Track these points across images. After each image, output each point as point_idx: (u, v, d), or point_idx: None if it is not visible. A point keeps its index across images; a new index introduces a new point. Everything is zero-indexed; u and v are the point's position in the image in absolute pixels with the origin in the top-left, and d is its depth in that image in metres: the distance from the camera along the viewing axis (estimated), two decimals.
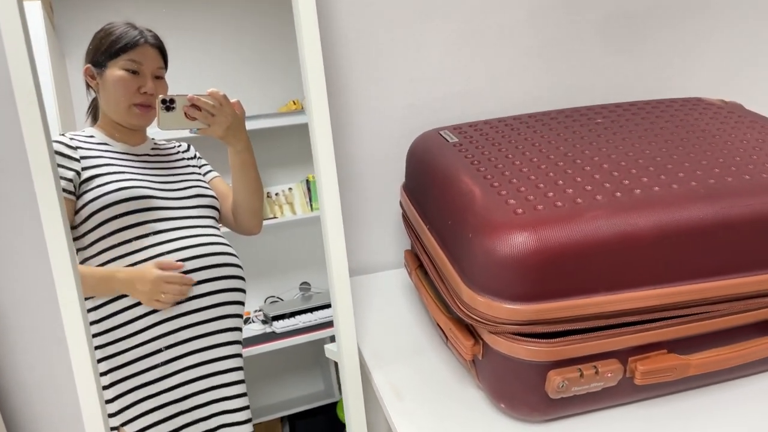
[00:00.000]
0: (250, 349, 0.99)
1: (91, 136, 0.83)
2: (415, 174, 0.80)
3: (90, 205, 0.79)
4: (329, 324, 1.06)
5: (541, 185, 0.63)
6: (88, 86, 0.83)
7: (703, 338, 0.62)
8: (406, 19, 0.88)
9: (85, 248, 0.80)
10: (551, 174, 0.65)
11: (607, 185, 0.62)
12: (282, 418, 1.21)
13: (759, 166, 0.65)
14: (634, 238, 0.57)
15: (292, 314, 1.06)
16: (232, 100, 0.82)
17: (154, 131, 0.85)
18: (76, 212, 0.79)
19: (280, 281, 1.06)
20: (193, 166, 0.90)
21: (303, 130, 0.98)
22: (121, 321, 0.81)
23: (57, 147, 0.78)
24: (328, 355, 0.90)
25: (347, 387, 0.73)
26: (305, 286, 1.08)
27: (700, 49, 1.03)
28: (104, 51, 0.80)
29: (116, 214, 0.79)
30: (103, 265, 0.80)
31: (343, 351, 0.72)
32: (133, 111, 0.82)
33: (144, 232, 0.81)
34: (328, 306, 1.06)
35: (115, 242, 0.80)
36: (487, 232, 0.58)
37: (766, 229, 0.60)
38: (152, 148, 0.87)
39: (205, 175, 0.90)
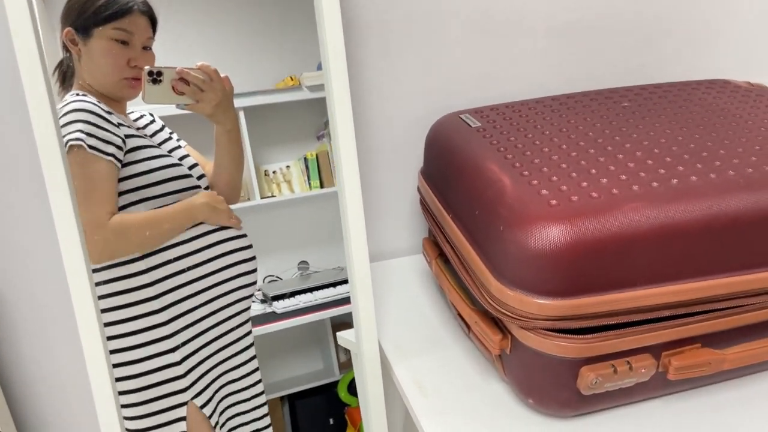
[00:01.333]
0: (252, 329, 0.97)
1: (100, 102, 0.77)
2: (435, 160, 0.78)
3: (139, 177, 0.76)
4: (330, 304, 1.04)
5: (574, 174, 0.60)
6: (65, 48, 0.76)
7: (738, 331, 0.61)
8: (425, 3, 0.85)
9: None
10: (583, 162, 0.62)
11: (643, 175, 0.59)
12: (282, 398, 1.21)
13: None
14: (673, 230, 0.55)
15: (292, 294, 1.04)
16: (222, 75, 0.78)
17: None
18: (121, 180, 0.75)
19: (278, 260, 1.04)
20: (169, 137, 0.86)
21: (300, 106, 0.95)
22: (170, 286, 0.79)
23: (92, 108, 0.74)
24: (341, 343, 0.88)
25: (368, 379, 0.71)
26: (304, 265, 1.06)
27: (723, 31, 1.00)
28: (90, 15, 0.74)
29: (169, 191, 0.77)
30: None
31: (363, 342, 0.70)
32: (123, 83, 0.77)
33: None
34: (327, 286, 1.05)
35: None
36: (520, 224, 0.56)
37: None
38: (134, 120, 0.82)
39: (178, 141, 0.86)
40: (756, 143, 0.65)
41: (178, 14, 0.85)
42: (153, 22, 0.78)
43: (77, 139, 0.71)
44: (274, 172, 1.00)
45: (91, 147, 0.72)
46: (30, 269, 0.83)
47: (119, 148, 0.74)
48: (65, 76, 0.78)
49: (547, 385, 0.60)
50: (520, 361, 0.61)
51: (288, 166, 1.01)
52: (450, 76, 0.89)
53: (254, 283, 0.87)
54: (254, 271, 0.87)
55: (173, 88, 0.75)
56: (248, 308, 0.89)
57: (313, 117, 0.99)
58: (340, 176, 0.66)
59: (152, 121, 0.83)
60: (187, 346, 0.81)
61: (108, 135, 0.73)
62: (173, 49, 0.82)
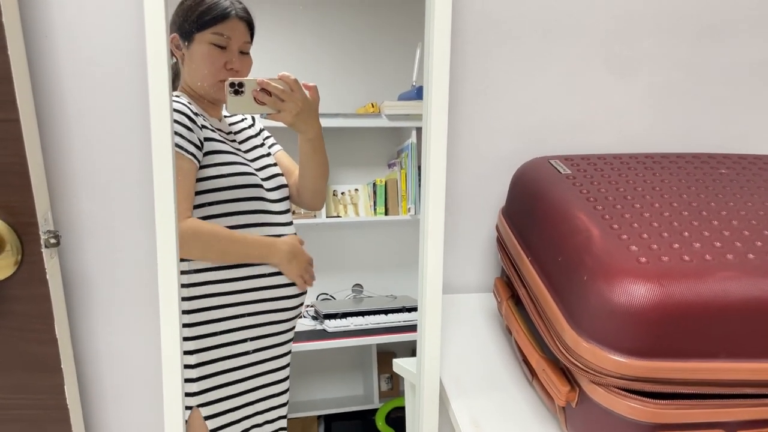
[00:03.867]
0: (300, 344, 0.98)
1: (190, 103, 0.81)
2: (519, 201, 0.78)
3: (211, 181, 0.78)
4: (380, 331, 1.04)
5: (665, 234, 0.59)
6: (172, 54, 0.80)
7: None
8: (529, 39, 0.85)
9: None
10: (675, 223, 0.61)
11: (738, 245, 0.58)
12: (318, 417, 1.20)
13: None
14: (765, 305, 0.53)
15: (344, 315, 1.05)
16: (310, 84, 0.80)
17: None
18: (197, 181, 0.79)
19: (334, 280, 1.05)
20: (262, 143, 0.87)
21: (377, 133, 0.96)
22: (214, 304, 0.81)
23: (182, 108, 0.77)
24: (397, 370, 0.88)
25: (424, 411, 0.70)
26: (358, 288, 1.06)
27: None
28: (193, 21, 0.77)
29: (237, 198, 0.79)
30: None
31: (425, 374, 0.70)
32: (220, 86, 0.79)
33: (258, 221, 0.81)
34: (380, 312, 1.05)
35: (232, 224, 0.80)
36: (605, 277, 0.55)
37: None
38: (230, 124, 0.85)
39: (270, 147, 0.88)
40: None
41: (274, 36, 0.88)
42: (251, 28, 0.80)
43: None
44: (342, 193, 1.02)
45: (175, 145, 0.75)
46: (119, 256, 0.87)
47: (198, 148, 0.77)
48: (173, 79, 0.82)
49: None
50: (586, 416, 0.60)
51: (356, 189, 1.02)
52: (543, 120, 0.89)
53: (294, 318, 0.88)
54: (297, 306, 0.88)
55: (255, 98, 0.78)
56: (286, 342, 0.89)
57: (387, 145, 1.01)
58: (425, 206, 0.67)
59: (251, 126, 0.86)
60: (205, 353, 0.82)
61: (190, 134, 0.77)
62: (268, 70, 0.85)
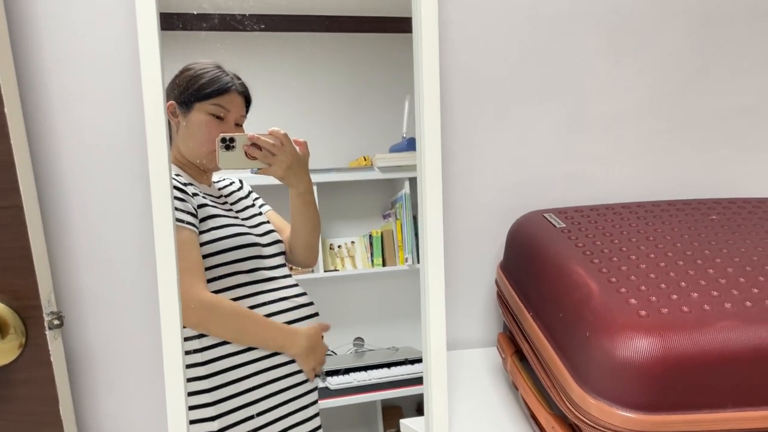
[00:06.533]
0: None
1: (178, 175, 0.83)
2: (517, 256, 0.79)
3: (207, 246, 0.79)
4: (384, 386, 1.03)
5: (663, 285, 0.60)
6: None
7: None
8: (518, 98, 0.88)
9: None
10: (672, 274, 0.62)
11: (735, 293, 0.59)
12: None
13: None
14: (766, 352, 0.54)
15: (347, 371, 1.04)
16: (300, 140, 0.82)
17: None
18: None
19: (334, 335, 1.04)
20: (252, 204, 0.89)
21: (370, 185, 0.97)
22: (227, 365, 0.81)
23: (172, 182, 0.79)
24: (403, 431, 0.87)
25: None
26: (359, 342, 1.06)
27: None
28: (193, 92, 0.80)
29: (233, 260, 0.80)
30: None
31: None
32: (213, 154, 0.82)
33: (256, 278, 0.81)
34: (382, 366, 1.04)
35: (229, 285, 0.80)
36: (607, 332, 0.55)
37: None
38: (219, 189, 0.86)
39: (260, 207, 0.89)
40: None
41: (263, 93, 0.91)
42: (248, 102, 0.84)
43: None
44: (339, 246, 1.02)
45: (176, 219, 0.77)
46: (122, 330, 0.87)
47: (194, 216, 0.79)
48: None
49: None
50: None
51: (353, 242, 1.03)
52: (535, 174, 0.91)
53: (311, 403, 0.89)
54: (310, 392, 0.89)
55: (246, 153, 0.80)
56: (309, 405, 0.90)
57: (381, 196, 1.02)
58: (424, 265, 0.67)
59: (240, 188, 0.88)
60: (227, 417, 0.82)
61: (184, 205, 0.78)
62: (259, 123, 0.87)
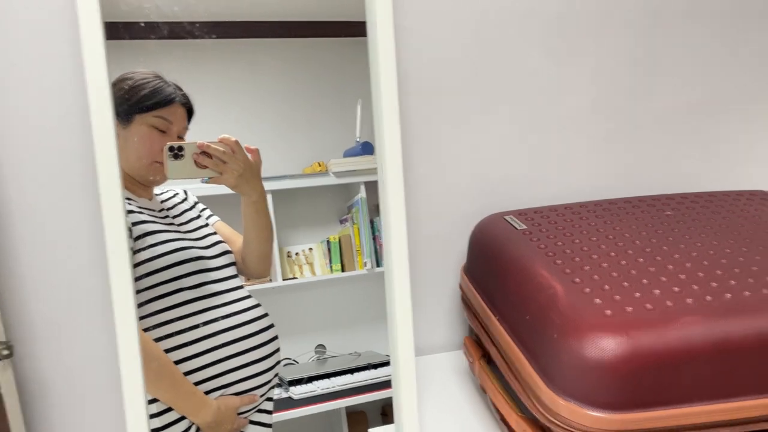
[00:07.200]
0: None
1: None
2: (480, 259, 0.79)
3: (147, 264, 0.76)
4: (347, 392, 1.02)
5: (626, 284, 0.61)
6: None
7: None
8: (473, 105, 0.88)
9: (140, 306, 0.77)
10: (633, 271, 0.63)
11: (695, 287, 0.60)
12: None
13: None
14: (730, 346, 0.55)
15: (309, 379, 1.03)
16: (252, 147, 0.80)
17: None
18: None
19: (296, 343, 1.03)
20: (198, 215, 0.86)
21: (326, 191, 0.97)
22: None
23: None
24: None
25: None
26: (321, 349, 1.05)
27: (756, 142, 1.02)
28: (134, 104, 0.77)
29: (175, 276, 0.77)
30: (159, 326, 0.77)
31: None
32: (154, 167, 0.79)
33: (202, 294, 0.79)
34: (344, 372, 1.03)
35: (174, 303, 0.77)
36: (575, 333, 0.56)
37: None
38: (161, 201, 0.83)
39: (207, 219, 0.86)
40: None
41: (214, 101, 0.89)
42: (190, 114, 0.81)
43: None
44: (297, 253, 1.01)
45: None
46: (77, 357, 0.84)
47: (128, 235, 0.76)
48: None
49: None
50: None
51: (311, 249, 1.02)
52: (494, 176, 0.91)
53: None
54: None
55: (195, 162, 0.77)
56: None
57: (337, 202, 1.01)
58: (389, 270, 0.67)
59: (184, 199, 0.85)
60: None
61: None
62: (209, 134, 0.85)
